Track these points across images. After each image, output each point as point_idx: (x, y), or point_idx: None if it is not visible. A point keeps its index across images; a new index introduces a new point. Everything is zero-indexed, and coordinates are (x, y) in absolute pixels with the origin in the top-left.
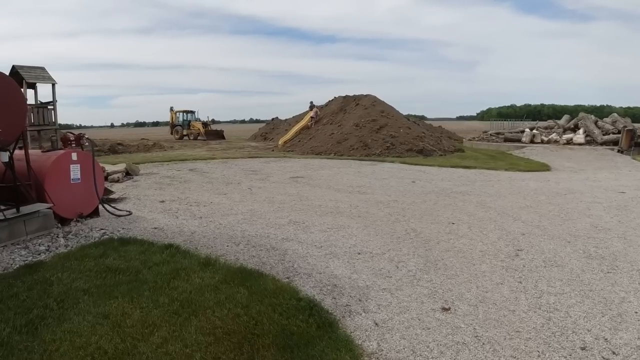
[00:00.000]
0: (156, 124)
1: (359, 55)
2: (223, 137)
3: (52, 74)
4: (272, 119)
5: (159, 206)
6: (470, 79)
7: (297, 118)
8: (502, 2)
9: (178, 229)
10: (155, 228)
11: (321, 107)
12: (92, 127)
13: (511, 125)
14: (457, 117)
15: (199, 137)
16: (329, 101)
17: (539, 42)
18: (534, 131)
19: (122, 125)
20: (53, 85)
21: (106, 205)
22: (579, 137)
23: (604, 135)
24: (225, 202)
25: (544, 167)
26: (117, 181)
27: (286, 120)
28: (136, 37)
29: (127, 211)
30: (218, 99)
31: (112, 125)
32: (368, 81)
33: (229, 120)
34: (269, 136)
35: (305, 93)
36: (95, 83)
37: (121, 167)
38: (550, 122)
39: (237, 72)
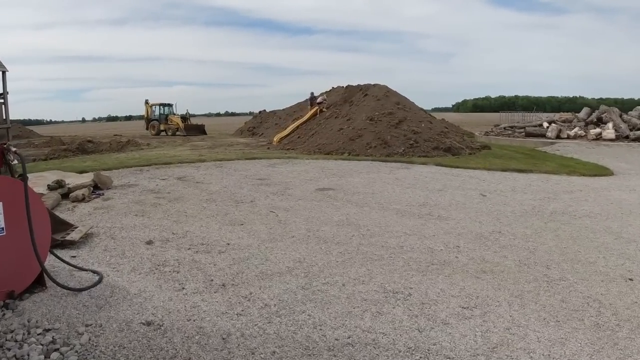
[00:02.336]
0: (129, 118)
1: (337, 46)
2: (204, 132)
3: (24, 67)
4: (260, 112)
5: (145, 255)
6: (446, 71)
7: (289, 111)
8: None
9: (192, 326)
10: (149, 324)
11: (319, 100)
12: (62, 122)
13: (523, 118)
14: (432, 108)
15: (177, 133)
16: (326, 92)
17: (513, 35)
18: (554, 125)
19: (94, 120)
20: (3, 72)
21: (61, 264)
22: (609, 132)
23: (630, 129)
24: (250, 243)
25: (603, 170)
26: (82, 200)
27: (275, 112)
28: (110, 28)
29: (94, 273)
30: (194, 91)
31: (83, 120)
32: (347, 72)
33: (204, 113)
34: (257, 131)
35: (283, 85)
36: (67, 76)
37: (88, 178)
38: (568, 115)
39: (214, 64)
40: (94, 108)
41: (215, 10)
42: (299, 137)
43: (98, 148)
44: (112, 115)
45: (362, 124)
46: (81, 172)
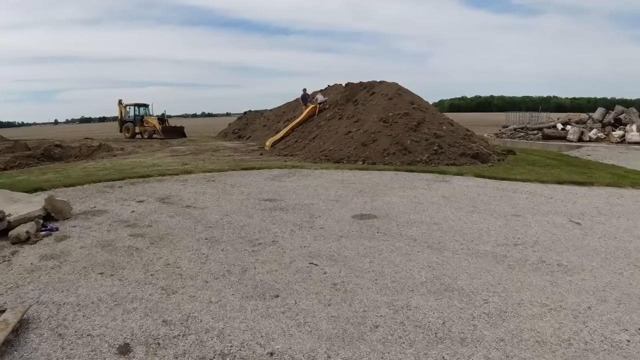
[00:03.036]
0: (103, 119)
1: (315, 47)
2: (184, 135)
3: None
4: (245, 113)
5: None
6: (422, 71)
7: (277, 111)
8: None
9: None
10: None
11: (320, 99)
12: (34, 124)
13: (532, 119)
14: None
15: (154, 135)
16: (321, 90)
17: (488, 35)
18: (575, 127)
19: (67, 122)
20: None
21: None
22: (634, 134)
23: None
24: (309, 351)
25: None
26: (26, 241)
27: (262, 113)
28: (84, 28)
29: None
30: (169, 92)
31: (56, 122)
32: (324, 73)
33: (180, 114)
34: (244, 133)
35: (261, 86)
36: (40, 77)
37: (37, 206)
38: (582, 116)
39: (189, 65)
40: (67, 109)
41: (191, 10)
42: (296, 141)
43: (66, 153)
44: (85, 116)
45: (375, 126)
46: (35, 190)
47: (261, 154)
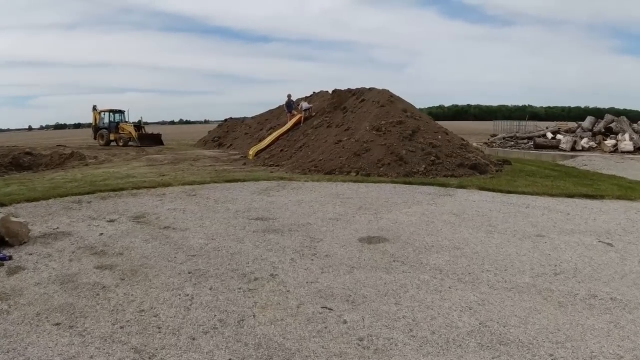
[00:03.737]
0: (78, 125)
1: (294, 55)
2: (161, 143)
3: None
4: (226, 120)
5: None
6: (399, 80)
7: (259, 119)
8: (428, 7)
9: None
10: None
11: (304, 106)
12: (8, 130)
13: (519, 127)
14: None
15: (130, 143)
16: (307, 97)
17: (464, 45)
18: (568, 136)
19: (42, 128)
20: None
21: None
22: (627, 143)
23: None
24: None
25: None
26: None
27: (243, 121)
28: (60, 33)
29: None
30: (147, 98)
31: (30, 128)
32: (304, 81)
33: (158, 121)
34: (225, 141)
35: (240, 93)
36: (15, 82)
37: None
38: (570, 125)
39: (168, 71)
40: (42, 115)
41: (170, 16)
42: (282, 150)
43: (36, 162)
44: (60, 122)
45: (367, 134)
46: None
47: (244, 164)
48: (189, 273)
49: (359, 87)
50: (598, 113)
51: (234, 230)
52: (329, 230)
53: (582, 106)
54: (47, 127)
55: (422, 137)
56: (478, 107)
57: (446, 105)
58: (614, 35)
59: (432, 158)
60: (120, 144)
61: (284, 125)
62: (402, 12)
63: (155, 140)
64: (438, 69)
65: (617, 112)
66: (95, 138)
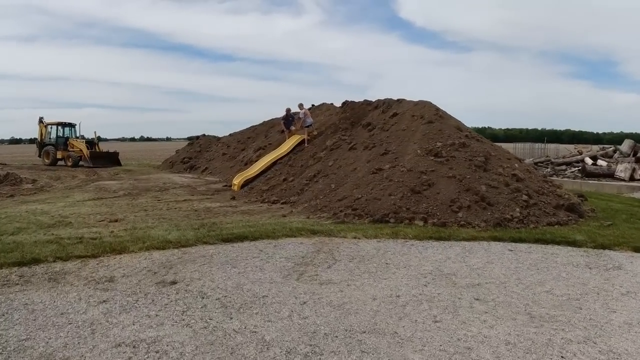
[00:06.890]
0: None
1: (258, 75)
2: (118, 163)
3: None
4: (198, 137)
5: None
6: None
7: (240, 137)
8: (391, 32)
9: None
10: None
11: (308, 122)
12: None
13: (539, 150)
14: None
15: (81, 163)
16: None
17: (425, 69)
18: (626, 163)
19: None
20: None
21: None
22: None
23: None
24: None
25: None
26: None
27: (219, 139)
28: (19, 45)
29: None
30: (107, 114)
31: None
32: (267, 101)
33: (118, 137)
34: (197, 163)
35: (203, 111)
36: None
37: None
38: (608, 149)
39: (129, 87)
40: None
41: (133, 32)
42: (285, 179)
43: None
44: (15, 137)
45: (422, 161)
46: None
47: (233, 198)
48: None
49: (381, 98)
50: (554, 135)
51: None
52: None
53: (539, 128)
54: (3, 141)
55: (499, 167)
56: None
57: None
58: (565, 61)
59: (525, 197)
60: (69, 163)
61: (279, 145)
62: (365, 36)
63: (111, 159)
64: (400, 92)
65: (573, 134)
66: (40, 155)
